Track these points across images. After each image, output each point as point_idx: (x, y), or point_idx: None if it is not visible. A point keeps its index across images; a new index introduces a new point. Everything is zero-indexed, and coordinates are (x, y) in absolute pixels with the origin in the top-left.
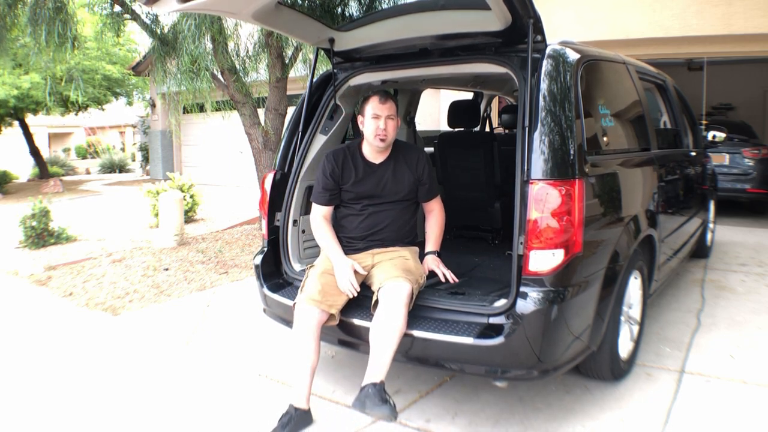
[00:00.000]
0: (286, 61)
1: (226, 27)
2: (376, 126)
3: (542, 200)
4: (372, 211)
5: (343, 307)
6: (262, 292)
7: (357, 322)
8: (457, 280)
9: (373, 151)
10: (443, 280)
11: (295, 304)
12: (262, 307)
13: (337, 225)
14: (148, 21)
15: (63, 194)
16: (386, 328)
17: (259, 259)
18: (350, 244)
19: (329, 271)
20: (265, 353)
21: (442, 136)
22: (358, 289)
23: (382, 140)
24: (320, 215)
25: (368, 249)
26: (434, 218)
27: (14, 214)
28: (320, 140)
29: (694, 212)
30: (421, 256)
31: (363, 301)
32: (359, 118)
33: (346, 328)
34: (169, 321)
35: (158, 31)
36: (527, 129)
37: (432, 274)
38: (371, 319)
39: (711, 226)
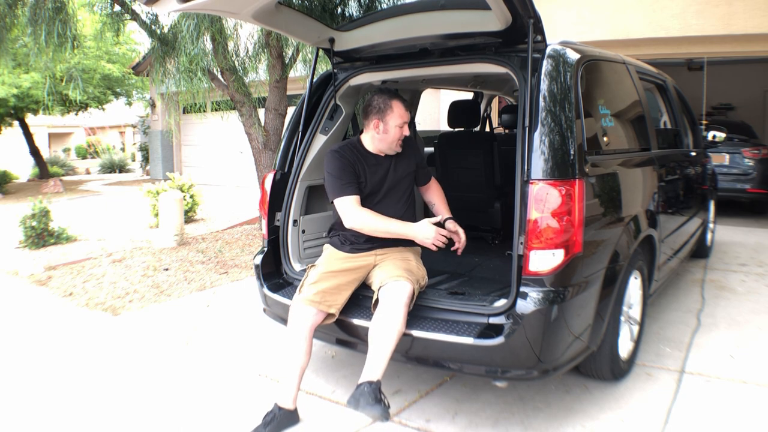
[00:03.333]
0: (286, 61)
1: (226, 27)
2: (400, 134)
3: (542, 200)
4: (379, 200)
5: (343, 307)
6: (262, 291)
7: (356, 321)
8: (460, 252)
9: (377, 148)
10: (460, 249)
11: (292, 302)
12: (262, 307)
13: (340, 224)
14: (147, 21)
15: (63, 194)
16: (385, 327)
17: (259, 259)
18: (354, 244)
19: (330, 270)
20: (265, 353)
21: (442, 136)
22: (446, 241)
23: (401, 146)
24: (357, 204)
25: (372, 249)
26: (435, 191)
27: (14, 214)
28: (320, 140)
29: (694, 212)
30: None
31: (363, 300)
32: (376, 122)
33: (345, 327)
34: (169, 321)
35: (158, 31)
36: (527, 129)
37: (434, 273)
38: (371, 318)
39: (711, 226)
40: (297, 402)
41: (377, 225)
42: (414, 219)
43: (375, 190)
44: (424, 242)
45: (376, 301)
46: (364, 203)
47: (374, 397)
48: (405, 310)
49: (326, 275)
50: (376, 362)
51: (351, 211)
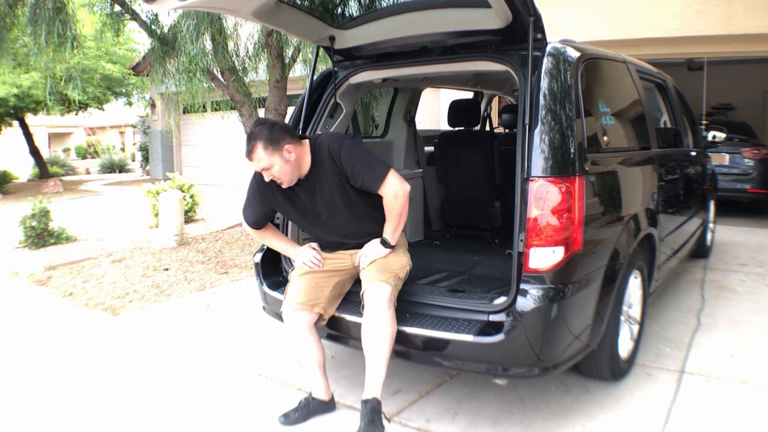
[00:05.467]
0: (286, 62)
1: (225, 27)
2: (268, 177)
3: (542, 198)
4: (325, 220)
5: (330, 305)
6: (262, 289)
7: (348, 317)
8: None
9: None
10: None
11: (282, 312)
12: (262, 305)
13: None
14: (147, 21)
15: (63, 194)
16: (375, 335)
17: (259, 257)
18: (325, 246)
19: (309, 271)
20: (265, 353)
21: (443, 135)
22: (323, 261)
23: (280, 185)
24: (252, 230)
25: (345, 249)
26: (385, 206)
27: (14, 214)
28: None
29: (694, 212)
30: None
31: (355, 297)
32: None
33: (339, 325)
34: (169, 321)
35: (158, 31)
36: (527, 127)
37: (434, 271)
38: (362, 315)
39: (711, 226)
40: (330, 392)
41: (270, 244)
42: (382, 224)
43: (315, 212)
44: (299, 263)
45: (363, 305)
46: (312, 225)
47: (368, 419)
48: (390, 313)
49: (306, 276)
50: (374, 377)
51: (250, 231)
